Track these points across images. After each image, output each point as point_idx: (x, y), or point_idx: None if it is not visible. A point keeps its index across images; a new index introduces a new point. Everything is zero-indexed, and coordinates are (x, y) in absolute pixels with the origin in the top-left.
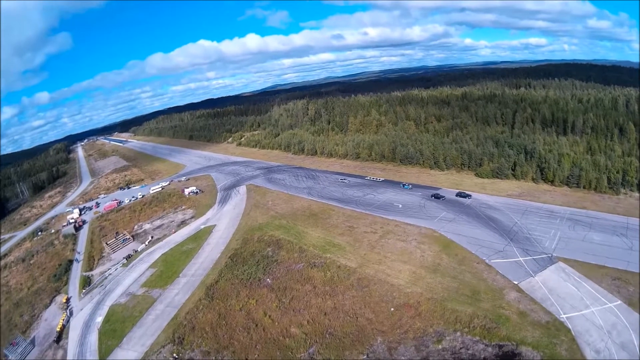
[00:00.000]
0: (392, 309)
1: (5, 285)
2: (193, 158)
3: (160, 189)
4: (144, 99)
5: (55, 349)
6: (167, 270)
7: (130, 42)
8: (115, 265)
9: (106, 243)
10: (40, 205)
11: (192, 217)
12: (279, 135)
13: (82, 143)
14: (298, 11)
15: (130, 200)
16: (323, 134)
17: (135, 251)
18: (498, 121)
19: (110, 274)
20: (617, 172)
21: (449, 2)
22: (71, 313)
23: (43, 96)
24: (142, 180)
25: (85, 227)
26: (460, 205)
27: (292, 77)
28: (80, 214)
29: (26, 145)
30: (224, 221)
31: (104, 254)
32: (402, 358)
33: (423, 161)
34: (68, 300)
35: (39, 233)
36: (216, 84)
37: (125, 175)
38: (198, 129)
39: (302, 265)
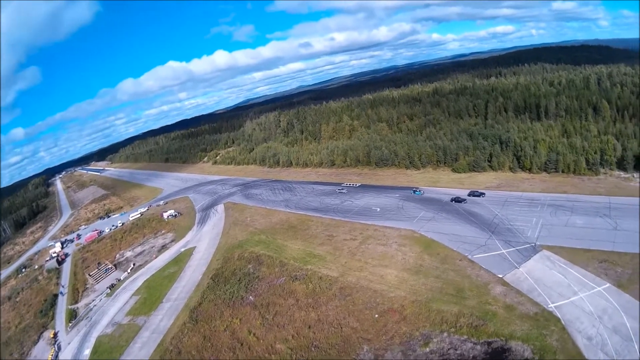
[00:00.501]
0: (377, 316)
1: None
2: (170, 181)
3: (139, 215)
4: (118, 125)
5: None
6: (151, 296)
7: (100, 71)
8: (99, 295)
9: (89, 274)
10: (23, 242)
11: (172, 241)
12: (253, 149)
13: (61, 175)
14: (263, 23)
15: (110, 230)
16: (297, 144)
17: (119, 280)
18: (470, 113)
19: (95, 305)
20: (595, 153)
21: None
22: (59, 348)
23: (18, 132)
24: (121, 208)
25: (68, 260)
26: (438, 202)
27: (264, 90)
28: (62, 247)
29: (5, 182)
30: (203, 242)
31: (87, 286)
32: None
33: (398, 162)
34: (55, 335)
35: (23, 270)
36: (189, 104)
37: (104, 205)
38: (173, 151)
39: (284, 280)
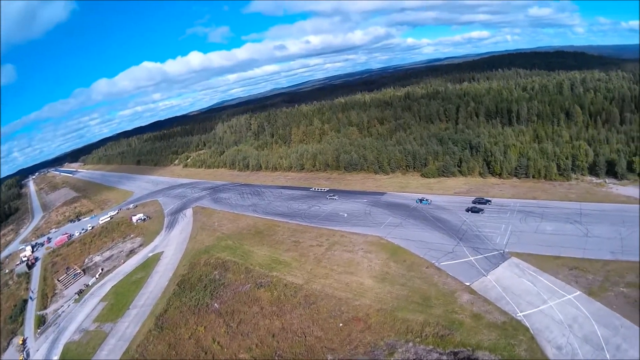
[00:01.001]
0: (341, 325)
1: None
2: (141, 184)
3: (109, 218)
4: (92, 126)
5: None
6: (118, 302)
7: (74, 70)
8: (67, 301)
9: (58, 279)
10: None
11: (140, 245)
12: (224, 152)
13: (34, 176)
14: (239, 25)
15: (80, 233)
16: (267, 147)
17: (87, 285)
18: (442, 118)
19: (63, 311)
20: (567, 158)
21: (389, 3)
22: (28, 354)
23: None
24: (92, 211)
25: (38, 264)
26: (406, 208)
27: (238, 92)
28: (32, 251)
29: None
30: (171, 247)
31: (56, 291)
32: None
33: (367, 166)
34: (24, 341)
35: None
36: (163, 105)
37: (75, 207)
38: (145, 153)
39: (249, 286)
